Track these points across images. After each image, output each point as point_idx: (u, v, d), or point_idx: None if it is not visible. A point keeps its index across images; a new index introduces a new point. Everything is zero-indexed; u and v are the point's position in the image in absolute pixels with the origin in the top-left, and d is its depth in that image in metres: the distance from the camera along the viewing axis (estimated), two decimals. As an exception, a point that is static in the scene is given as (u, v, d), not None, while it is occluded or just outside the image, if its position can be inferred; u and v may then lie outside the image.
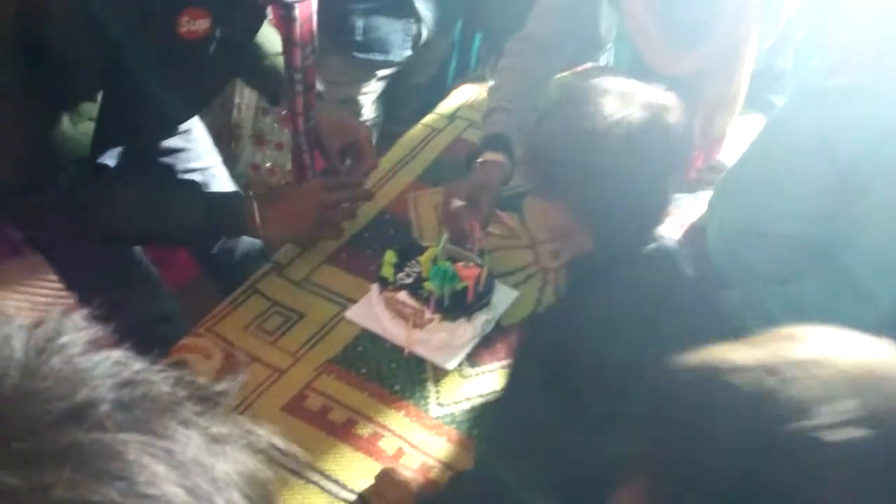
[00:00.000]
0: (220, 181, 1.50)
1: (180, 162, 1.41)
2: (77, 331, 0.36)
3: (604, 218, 0.90)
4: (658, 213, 0.93)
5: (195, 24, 1.02)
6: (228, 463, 0.36)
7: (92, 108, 1.05)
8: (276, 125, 1.95)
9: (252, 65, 1.35)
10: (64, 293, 1.53)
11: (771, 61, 1.50)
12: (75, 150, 1.07)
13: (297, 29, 1.12)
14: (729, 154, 1.33)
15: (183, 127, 1.36)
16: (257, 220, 1.15)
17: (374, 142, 1.85)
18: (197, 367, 1.11)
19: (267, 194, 1.22)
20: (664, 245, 0.94)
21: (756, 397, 0.49)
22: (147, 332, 1.42)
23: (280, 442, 0.40)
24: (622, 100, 0.89)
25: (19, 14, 0.93)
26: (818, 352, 0.51)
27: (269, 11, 1.18)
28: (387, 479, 0.96)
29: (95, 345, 0.36)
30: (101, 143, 1.16)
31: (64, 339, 0.35)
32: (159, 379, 0.37)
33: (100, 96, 1.04)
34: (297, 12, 1.11)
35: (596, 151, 0.86)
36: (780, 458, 0.47)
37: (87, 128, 1.06)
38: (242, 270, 1.43)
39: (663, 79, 1.37)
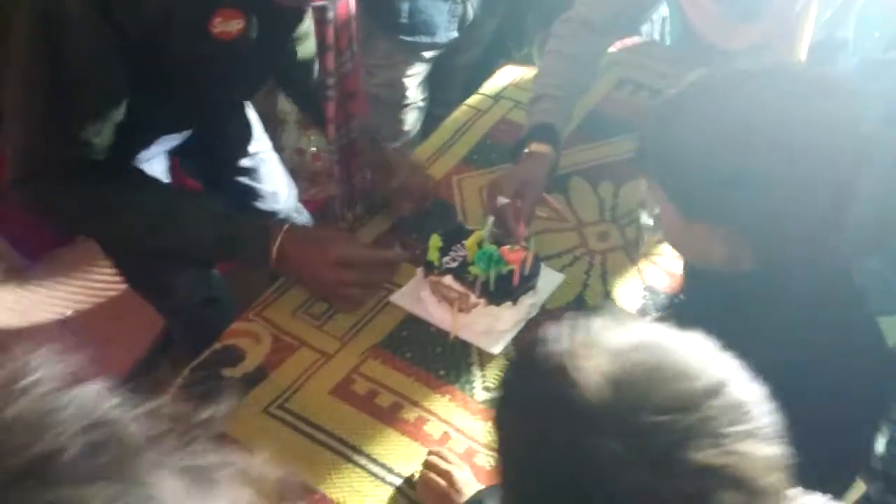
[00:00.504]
0: (269, 166, 1.51)
1: (228, 147, 1.43)
2: (48, 367, 0.33)
3: (768, 235, 0.74)
4: (837, 222, 0.74)
5: (228, 25, 1.00)
6: (217, 499, 0.34)
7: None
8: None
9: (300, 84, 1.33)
10: (117, 279, 1.58)
11: (831, 31, 1.43)
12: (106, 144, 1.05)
13: (332, 32, 1.10)
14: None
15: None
16: (274, 254, 1.10)
17: (419, 125, 1.84)
18: (247, 352, 1.12)
19: (298, 230, 1.13)
20: (838, 260, 0.78)
21: None
22: (196, 315, 1.45)
23: (274, 469, 0.38)
24: (779, 84, 0.72)
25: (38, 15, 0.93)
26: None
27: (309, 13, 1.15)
28: (432, 470, 0.95)
29: (72, 377, 0.34)
30: (141, 136, 1.17)
31: (30, 380, 0.32)
32: (131, 417, 0.34)
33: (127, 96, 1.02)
34: (331, 14, 1.08)
35: (754, 154, 0.70)
36: None
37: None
38: (203, 315, 1.41)
39: (717, 53, 1.33)
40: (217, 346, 1.13)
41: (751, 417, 0.50)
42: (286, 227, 1.12)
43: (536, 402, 0.55)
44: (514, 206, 1.17)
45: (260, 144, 1.49)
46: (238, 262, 1.25)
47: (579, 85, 1.32)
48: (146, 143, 1.24)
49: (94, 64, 0.97)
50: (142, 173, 1.21)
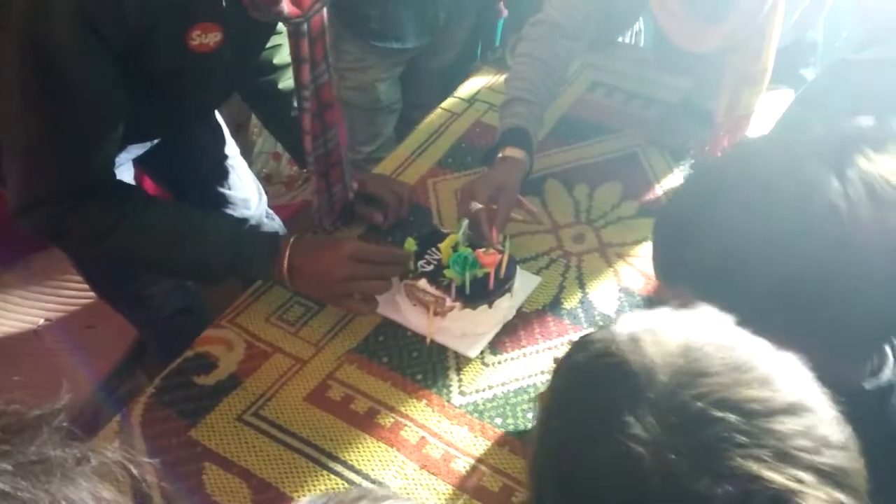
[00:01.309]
0: (239, 172, 1.50)
1: (196, 154, 1.41)
2: None
3: (826, 333, 0.65)
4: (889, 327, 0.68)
5: (206, 38, 1.01)
6: (77, 491, 0.35)
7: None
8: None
9: (275, 112, 1.33)
10: (88, 288, 1.55)
11: (800, 34, 1.45)
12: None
13: (307, 44, 1.10)
14: (759, 131, 1.29)
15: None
16: (285, 268, 1.08)
17: (392, 129, 1.83)
18: (220, 359, 1.11)
19: (303, 240, 1.11)
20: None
21: None
22: (170, 326, 1.43)
23: (130, 460, 0.38)
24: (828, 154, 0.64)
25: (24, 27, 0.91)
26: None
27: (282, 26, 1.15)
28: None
29: None
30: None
31: None
32: None
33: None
34: (306, 27, 1.08)
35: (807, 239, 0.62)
36: None
37: None
38: (176, 325, 1.41)
39: (688, 57, 1.34)
40: (189, 353, 1.12)
41: (828, 455, 0.45)
42: (292, 240, 1.10)
43: (591, 375, 0.52)
44: (487, 211, 1.17)
45: (229, 150, 1.48)
46: (245, 277, 1.24)
47: (550, 91, 1.32)
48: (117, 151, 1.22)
49: (91, 83, 0.96)
50: (146, 193, 1.19)
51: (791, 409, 0.46)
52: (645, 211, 1.32)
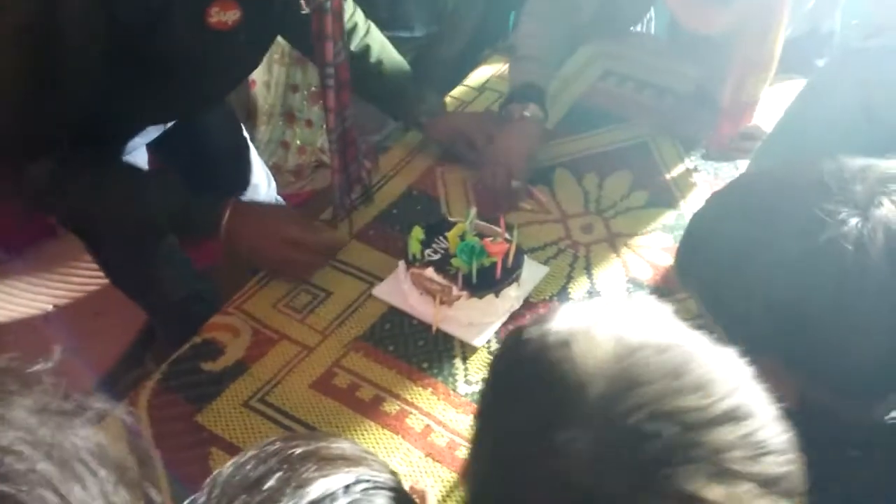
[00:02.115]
0: (249, 157, 1.50)
1: (208, 139, 1.41)
2: None
3: (828, 369, 0.64)
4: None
5: (225, 16, 1.01)
6: (70, 436, 0.37)
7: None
8: (305, 103, 1.94)
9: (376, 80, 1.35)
10: (99, 274, 1.56)
11: (815, 24, 1.43)
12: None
13: (330, 21, 1.10)
14: (768, 120, 1.27)
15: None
16: (223, 223, 1.12)
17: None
18: (227, 345, 1.11)
19: (245, 205, 1.18)
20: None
21: None
22: (178, 311, 1.44)
23: (127, 419, 0.42)
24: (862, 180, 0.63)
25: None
26: None
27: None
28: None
29: None
30: (127, 126, 1.16)
31: None
32: None
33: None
34: (329, 4, 1.09)
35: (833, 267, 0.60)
36: None
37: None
38: (187, 311, 1.41)
39: (702, 43, 1.33)
40: (196, 339, 1.12)
41: (767, 462, 0.44)
42: (233, 201, 1.15)
43: (520, 383, 0.50)
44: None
45: (239, 136, 1.48)
46: (191, 235, 1.31)
47: (557, 55, 1.36)
48: (131, 133, 1.23)
49: (81, 49, 0.96)
50: (109, 154, 1.21)
51: (728, 417, 0.44)
52: (655, 201, 1.31)
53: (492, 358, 0.57)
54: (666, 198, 1.31)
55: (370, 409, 1.03)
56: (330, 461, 0.51)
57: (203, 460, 0.99)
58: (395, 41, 1.70)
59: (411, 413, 1.03)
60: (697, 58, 1.49)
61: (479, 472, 0.52)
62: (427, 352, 1.10)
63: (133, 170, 1.20)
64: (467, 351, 1.10)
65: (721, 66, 1.33)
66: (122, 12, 0.93)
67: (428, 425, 1.02)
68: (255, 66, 1.33)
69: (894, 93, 0.93)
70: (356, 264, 1.22)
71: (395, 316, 1.14)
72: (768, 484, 0.44)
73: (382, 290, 1.16)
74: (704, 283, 0.71)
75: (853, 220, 0.61)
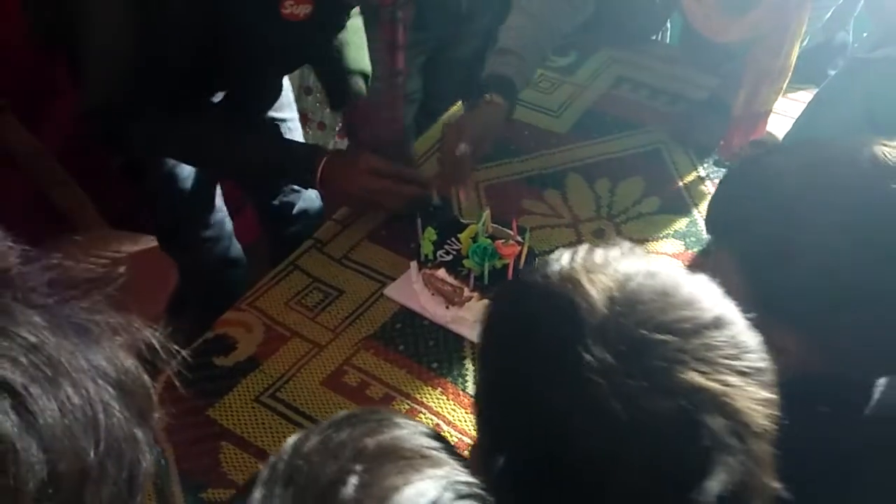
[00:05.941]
0: (294, 135, 1.56)
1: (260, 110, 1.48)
2: None
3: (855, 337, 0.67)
4: None
5: (298, 9, 1.08)
6: (94, 353, 0.36)
7: None
8: (318, 105, 1.95)
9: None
10: (120, 263, 1.57)
11: (830, 35, 1.43)
12: None
13: (401, 31, 1.15)
14: (782, 130, 1.28)
15: None
16: (318, 175, 1.18)
17: (412, 117, 1.84)
18: (239, 341, 1.12)
19: (338, 153, 1.26)
20: None
21: None
22: (214, 275, 1.49)
23: (161, 341, 0.41)
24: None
25: None
26: None
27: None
28: None
29: None
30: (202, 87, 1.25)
31: None
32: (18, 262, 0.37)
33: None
34: (401, 14, 1.12)
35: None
36: None
37: None
38: (299, 226, 1.51)
39: (716, 53, 1.33)
40: (209, 334, 1.13)
41: (748, 358, 0.52)
42: (329, 150, 1.23)
43: (534, 315, 0.55)
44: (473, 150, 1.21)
45: (289, 112, 1.53)
46: (286, 183, 1.44)
47: (541, 50, 1.35)
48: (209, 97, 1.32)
49: (184, 17, 1.04)
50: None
51: (714, 324, 0.52)
52: (666, 207, 1.31)
53: (490, 304, 0.63)
54: (678, 205, 1.32)
55: (380, 408, 1.04)
56: (410, 461, 0.47)
57: (213, 454, 1.00)
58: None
59: (421, 412, 1.04)
60: (711, 66, 1.49)
61: (501, 401, 0.57)
62: (437, 352, 1.10)
63: (232, 121, 1.26)
64: (477, 352, 1.10)
65: (735, 74, 1.33)
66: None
67: (437, 425, 1.02)
68: (313, 60, 1.42)
69: None
70: (368, 263, 1.23)
71: (407, 316, 1.15)
72: (752, 374, 0.51)
73: (394, 290, 1.17)
74: (744, 236, 0.72)
75: None
